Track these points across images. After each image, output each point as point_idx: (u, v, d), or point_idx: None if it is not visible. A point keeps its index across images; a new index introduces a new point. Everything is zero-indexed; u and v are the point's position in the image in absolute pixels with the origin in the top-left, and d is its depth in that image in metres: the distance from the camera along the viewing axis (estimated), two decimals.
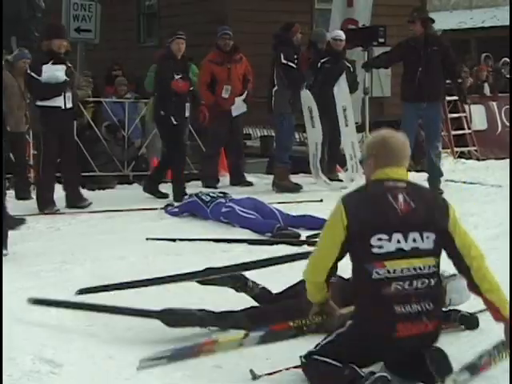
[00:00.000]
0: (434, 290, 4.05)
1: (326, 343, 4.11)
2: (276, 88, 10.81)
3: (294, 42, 10.89)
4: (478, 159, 14.19)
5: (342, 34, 11.62)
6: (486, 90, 15.69)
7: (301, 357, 4.18)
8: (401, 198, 4.10)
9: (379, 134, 4.39)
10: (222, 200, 8.77)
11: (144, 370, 4.09)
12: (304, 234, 7.86)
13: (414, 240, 4.04)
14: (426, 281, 4.02)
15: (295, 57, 10.72)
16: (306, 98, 10.92)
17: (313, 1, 15.35)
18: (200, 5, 14.61)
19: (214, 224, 8.51)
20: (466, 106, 14.76)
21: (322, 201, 9.58)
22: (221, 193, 9.23)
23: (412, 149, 11.23)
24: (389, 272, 3.98)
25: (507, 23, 24.99)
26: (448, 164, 13.01)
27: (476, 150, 14.57)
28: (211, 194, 9.04)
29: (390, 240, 4.01)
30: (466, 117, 14.73)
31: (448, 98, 14.11)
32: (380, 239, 4.01)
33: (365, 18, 12.91)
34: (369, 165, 4.37)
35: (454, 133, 14.47)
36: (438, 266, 4.11)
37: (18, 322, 4.89)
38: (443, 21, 23.27)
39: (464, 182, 11.34)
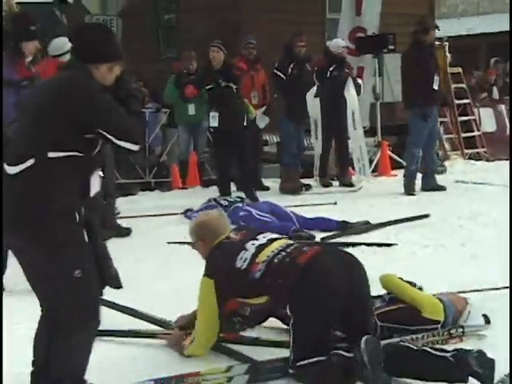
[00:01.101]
0: None
1: (293, 344, 4.13)
2: (275, 95, 11.03)
3: (296, 52, 10.96)
4: (487, 160, 14.15)
5: (344, 43, 11.77)
6: (495, 93, 15.66)
7: (289, 369, 4.14)
8: (233, 234, 4.67)
9: (197, 220, 5.04)
10: (240, 204, 8.79)
11: None
12: (318, 236, 7.87)
13: (264, 236, 4.57)
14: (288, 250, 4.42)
15: (291, 66, 10.83)
16: (313, 110, 11.05)
17: (324, 11, 15.33)
18: (215, 17, 14.65)
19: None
20: (475, 109, 14.74)
21: (335, 203, 9.64)
22: (238, 197, 9.25)
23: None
24: (264, 261, 4.35)
25: None
26: (458, 165, 13.03)
27: (485, 152, 14.53)
28: (229, 199, 9.07)
29: (246, 250, 4.46)
30: (475, 119, 14.69)
31: (457, 102, 14.13)
32: (241, 258, 4.43)
33: (373, 26, 12.91)
34: (201, 246, 4.79)
35: (463, 135, 14.44)
36: None
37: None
38: (452, 27, 23.22)
39: (474, 183, 11.30)
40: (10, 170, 3.59)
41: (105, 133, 3.62)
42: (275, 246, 4.44)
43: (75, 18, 12.92)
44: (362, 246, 7.24)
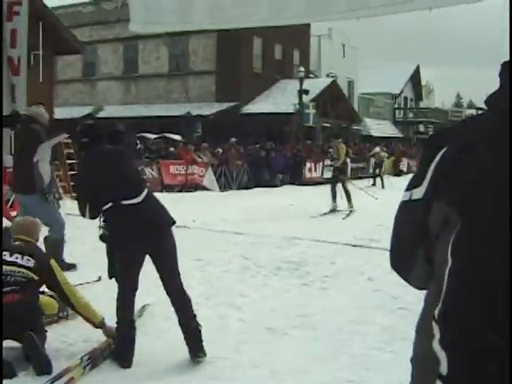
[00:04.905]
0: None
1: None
2: None
3: None
4: None
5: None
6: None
7: None
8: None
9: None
10: None
11: None
12: None
13: (16, 258, 4.02)
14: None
15: None
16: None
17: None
18: None
19: None
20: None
21: None
22: None
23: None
24: None
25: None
26: (68, 204, 11.89)
27: None
28: None
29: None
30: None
31: (68, 161, 13.81)
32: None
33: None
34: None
35: (71, 183, 13.70)
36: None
37: None
38: (70, 112, 22.54)
39: None
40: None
41: None
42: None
43: None
44: None
